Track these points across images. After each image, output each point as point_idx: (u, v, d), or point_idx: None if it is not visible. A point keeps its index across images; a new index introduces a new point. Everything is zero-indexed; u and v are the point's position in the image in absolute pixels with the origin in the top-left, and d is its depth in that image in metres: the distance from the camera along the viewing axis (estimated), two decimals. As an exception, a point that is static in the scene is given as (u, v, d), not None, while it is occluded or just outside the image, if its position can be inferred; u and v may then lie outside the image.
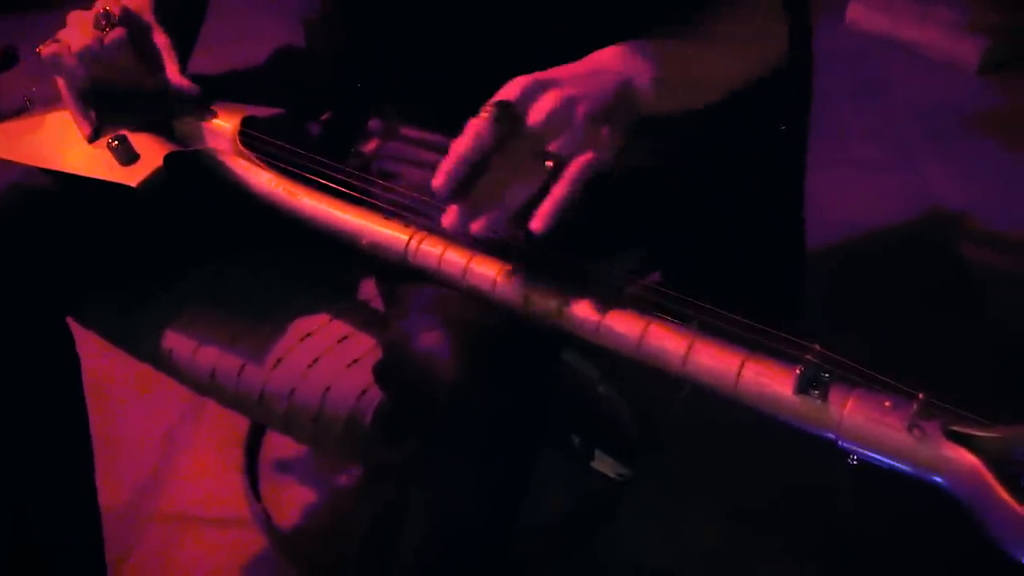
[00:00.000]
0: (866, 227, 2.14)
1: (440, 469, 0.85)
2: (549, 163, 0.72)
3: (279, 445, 1.59)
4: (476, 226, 0.72)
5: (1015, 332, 1.83)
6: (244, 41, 1.46)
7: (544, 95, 0.74)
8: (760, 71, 0.93)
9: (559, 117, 0.73)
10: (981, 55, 2.75)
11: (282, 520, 1.48)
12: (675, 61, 0.84)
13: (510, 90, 0.75)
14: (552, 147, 0.73)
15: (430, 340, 0.82)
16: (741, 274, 1.11)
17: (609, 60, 0.82)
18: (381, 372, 0.88)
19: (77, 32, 0.96)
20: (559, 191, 0.71)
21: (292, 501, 1.52)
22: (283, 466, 1.58)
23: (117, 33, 0.94)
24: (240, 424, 1.61)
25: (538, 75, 0.77)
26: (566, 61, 1.01)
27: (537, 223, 0.71)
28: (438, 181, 0.72)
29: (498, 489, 0.88)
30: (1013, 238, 2.09)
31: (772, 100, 0.99)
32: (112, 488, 1.44)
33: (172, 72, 0.98)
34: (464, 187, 0.73)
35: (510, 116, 0.73)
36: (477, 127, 0.72)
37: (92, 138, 0.99)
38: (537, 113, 0.73)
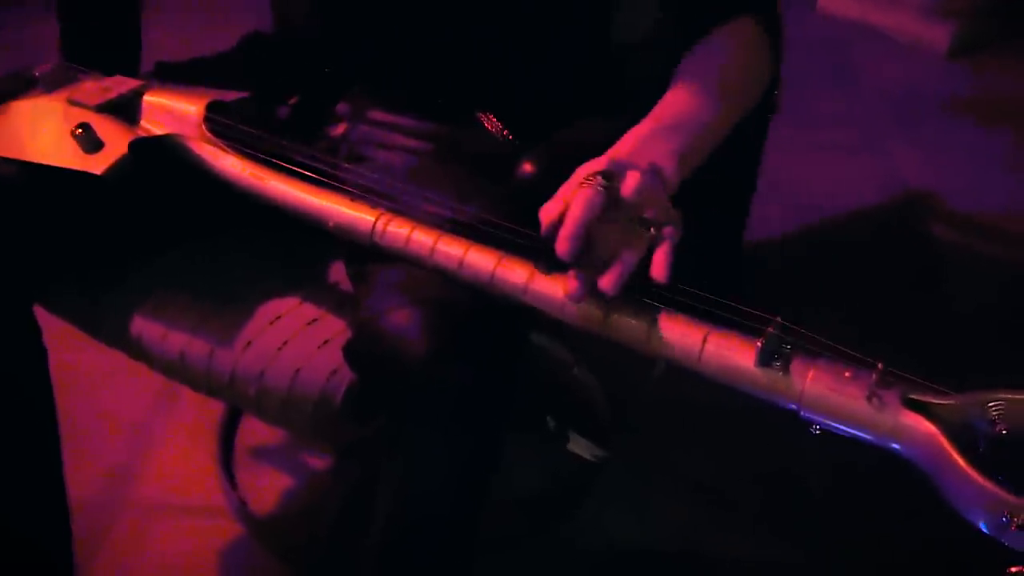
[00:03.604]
0: (837, 210, 2.16)
1: (409, 445, 0.85)
2: (653, 230, 0.78)
3: (254, 432, 1.59)
4: (608, 282, 0.76)
5: (983, 311, 1.85)
6: (213, 30, 1.45)
7: (628, 171, 0.79)
8: (753, 105, 0.98)
9: (647, 190, 0.79)
10: (950, 39, 2.77)
11: (258, 507, 1.48)
12: (692, 141, 0.88)
13: (597, 166, 0.80)
14: (647, 215, 0.78)
15: (399, 318, 0.84)
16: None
17: (635, 149, 0.85)
18: (350, 351, 0.89)
19: None
20: (670, 252, 0.77)
21: (268, 488, 1.51)
22: (258, 453, 1.57)
23: None
24: (215, 412, 1.60)
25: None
26: (535, 45, 1.04)
27: (663, 274, 0.76)
28: (563, 247, 0.76)
29: (467, 465, 0.89)
30: (981, 219, 2.12)
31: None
32: (85, 478, 1.44)
33: None
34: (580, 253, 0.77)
35: (612, 187, 0.78)
36: (588, 195, 0.76)
37: None
38: (628, 186, 0.78)
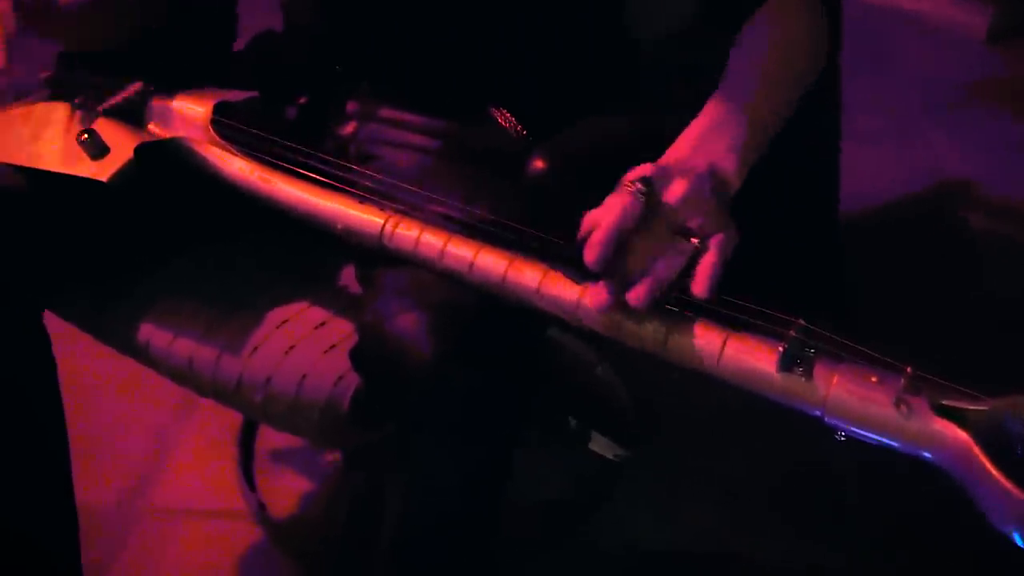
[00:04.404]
0: (872, 199, 2.11)
1: (417, 451, 0.84)
2: (695, 240, 0.74)
3: (274, 435, 1.57)
4: (636, 296, 0.72)
5: (1019, 301, 1.80)
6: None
7: (675, 177, 0.76)
8: (813, 78, 0.93)
9: (693, 198, 0.75)
10: (987, 24, 2.71)
11: (277, 511, 1.47)
12: (751, 134, 0.84)
13: (643, 171, 0.76)
14: (691, 225, 0.74)
15: (405, 322, 0.82)
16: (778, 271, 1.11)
17: (693, 149, 0.81)
18: (357, 355, 0.87)
19: None
20: (716, 265, 0.73)
21: (287, 491, 1.50)
22: (278, 456, 1.56)
23: None
24: (234, 416, 1.57)
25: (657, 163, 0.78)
26: (546, 40, 1.01)
27: (705, 290, 0.72)
28: (591, 255, 0.72)
29: (477, 469, 0.87)
30: (1019, 207, 2.06)
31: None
32: (105, 484, 1.43)
33: None
34: (611, 262, 0.74)
35: (652, 193, 0.74)
36: (624, 202, 0.73)
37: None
38: (673, 194, 0.75)
